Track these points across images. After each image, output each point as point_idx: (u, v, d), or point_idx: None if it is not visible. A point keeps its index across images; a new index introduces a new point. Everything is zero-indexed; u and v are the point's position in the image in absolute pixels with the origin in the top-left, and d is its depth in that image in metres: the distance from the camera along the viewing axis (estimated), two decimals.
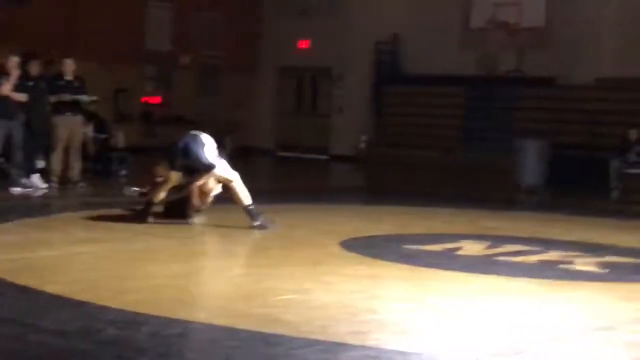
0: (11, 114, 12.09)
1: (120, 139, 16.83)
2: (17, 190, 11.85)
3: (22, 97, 12.18)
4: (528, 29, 21.18)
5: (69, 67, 13.13)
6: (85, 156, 14.17)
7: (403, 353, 4.74)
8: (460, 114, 22.09)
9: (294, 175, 19.36)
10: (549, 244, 8.97)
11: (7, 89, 11.99)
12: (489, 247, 8.59)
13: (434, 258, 7.87)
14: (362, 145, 22.90)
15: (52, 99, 12.89)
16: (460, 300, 6.19)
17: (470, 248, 8.51)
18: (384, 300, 6.03)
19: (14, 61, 12.12)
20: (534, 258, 8.09)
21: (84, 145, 14.48)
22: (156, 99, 22.65)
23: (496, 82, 21.26)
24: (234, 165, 9.46)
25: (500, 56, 21.29)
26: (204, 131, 9.48)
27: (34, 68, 12.87)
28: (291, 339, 4.87)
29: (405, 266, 7.41)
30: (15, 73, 12.10)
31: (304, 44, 23.91)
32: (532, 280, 7.04)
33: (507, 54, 21.11)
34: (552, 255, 8.29)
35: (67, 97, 12.86)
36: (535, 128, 18.53)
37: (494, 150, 19.69)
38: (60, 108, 12.93)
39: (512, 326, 5.53)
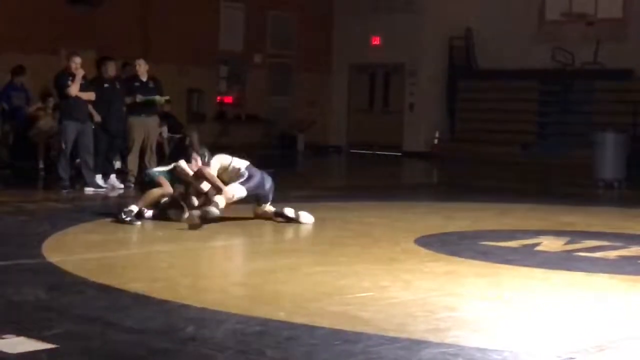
0: (82, 117, 12.13)
1: (195, 138, 16.99)
2: (90, 190, 12.05)
3: (90, 95, 12.19)
4: (605, 20, 20.80)
5: (142, 68, 13.26)
6: (161, 156, 14.34)
7: (483, 350, 4.69)
8: (536, 108, 21.83)
9: (368, 172, 19.31)
10: (629, 239, 8.78)
11: (74, 89, 11.96)
12: (568, 243, 8.44)
13: (511, 254, 7.77)
14: (436, 141, 22.76)
15: (127, 100, 13.05)
16: (539, 297, 6.11)
17: (549, 244, 8.37)
18: (462, 297, 5.99)
19: (77, 62, 12.03)
20: (614, 254, 7.93)
21: (160, 146, 14.67)
22: (229, 99, 22.84)
23: (572, 75, 20.92)
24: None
25: (576, 48, 20.93)
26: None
27: (110, 69, 13.02)
28: (370, 337, 4.87)
29: (482, 263, 7.34)
30: (79, 73, 12.03)
31: (375, 40, 23.84)
32: (614, 276, 6.91)
33: (584, 46, 20.73)
34: (633, 250, 8.12)
35: (140, 97, 13.00)
36: (613, 121, 18.15)
37: (571, 144, 19.40)
38: (136, 109, 13.07)
39: (593, 323, 5.44)
